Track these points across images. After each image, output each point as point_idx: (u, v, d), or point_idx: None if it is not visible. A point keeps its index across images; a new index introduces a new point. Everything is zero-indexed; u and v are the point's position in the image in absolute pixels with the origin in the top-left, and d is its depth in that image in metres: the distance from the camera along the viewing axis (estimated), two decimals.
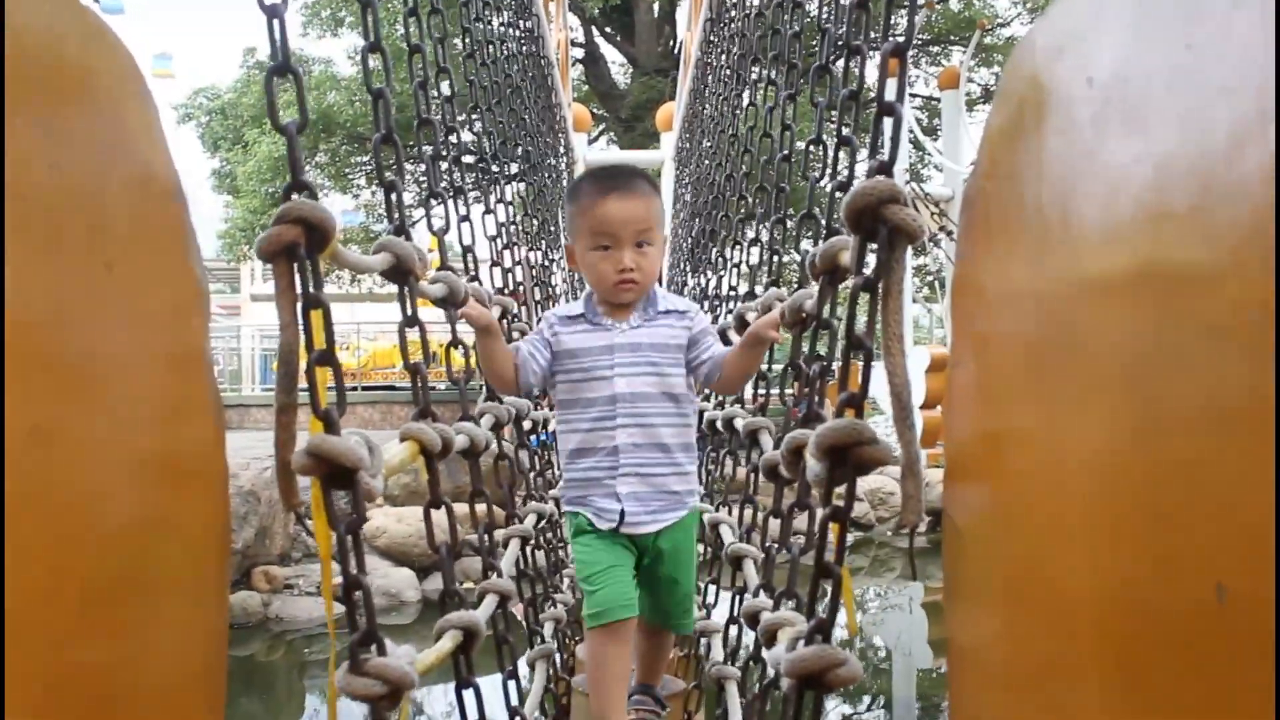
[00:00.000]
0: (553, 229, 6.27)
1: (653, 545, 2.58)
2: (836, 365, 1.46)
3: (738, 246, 3.66)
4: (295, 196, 1.30)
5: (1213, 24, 0.73)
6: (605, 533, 2.57)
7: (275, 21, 1.35)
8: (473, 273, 2.97)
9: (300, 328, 1.28)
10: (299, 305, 1.28)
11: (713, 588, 3.19)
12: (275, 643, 8.60)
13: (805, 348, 1.98)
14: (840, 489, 1.28)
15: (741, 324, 2.86)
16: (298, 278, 1.30)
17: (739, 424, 2.66)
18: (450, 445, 1.78)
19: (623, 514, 2.54)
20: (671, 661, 3.15)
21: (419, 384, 1.82)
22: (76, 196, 0.92)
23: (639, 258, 2.54)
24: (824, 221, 2.10)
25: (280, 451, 1.30)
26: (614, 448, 2.53)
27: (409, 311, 1.81)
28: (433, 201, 2.52)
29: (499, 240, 3.70)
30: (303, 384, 1.33)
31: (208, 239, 21.90)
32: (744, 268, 3.57)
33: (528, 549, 2.88)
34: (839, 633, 1.40)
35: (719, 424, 2.93)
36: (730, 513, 3.02)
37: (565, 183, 7.56)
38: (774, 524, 2.21)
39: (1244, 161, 0.67)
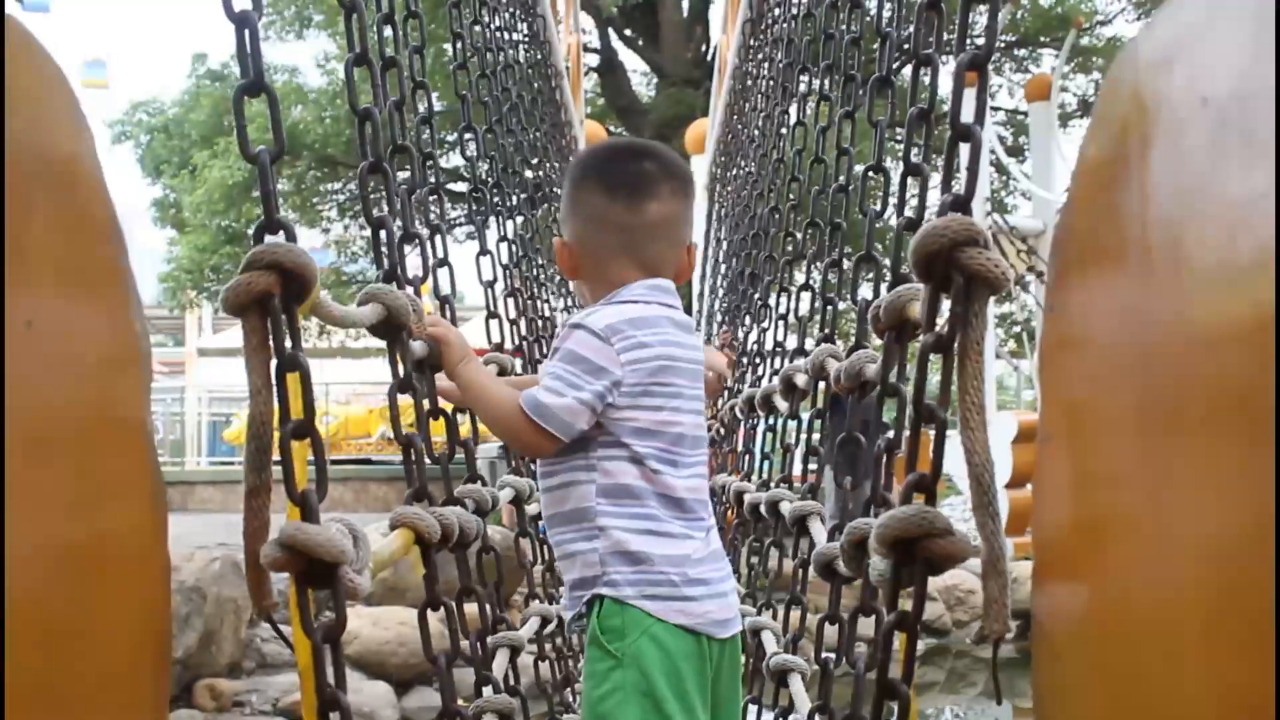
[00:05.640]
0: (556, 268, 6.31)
1: None
2: (904, 436, 1.47)
3: (785, 293, 3.67)
4: (269, 238, 1.32)
5: None
6: None
7: (246, 32, 1.38)
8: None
9: (274, 394, 1.29)
10: (273, 366, 1.30)
11: (753, 708, 3.16)
12: None
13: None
14: (909, 590, 1.28)
15: (789, 387, 2.87)
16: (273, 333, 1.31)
17: (785, 509, 2.63)
18: (450, 534, 1.80)
19: None
20: None
21: (413, 459, 1.83)
22: None
23: None
24: (888, 264, 2.11)
25: (250, 542, 1.31)
26: None
27: (402, 373, 1.83)
28: (414, 240, 2.54)
29: (497, 286, 3.72)
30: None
31: (147, 281, 22.00)
32: (791, 318, 3.59)
33: (518, 661, 2.84)
34: None
35: (761, 509, 2.90)
36: (775, 616, 3.00)
37: None
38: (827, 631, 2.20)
39: None
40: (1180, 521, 0.94)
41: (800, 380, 2.71)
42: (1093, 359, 1.17)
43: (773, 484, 3.15)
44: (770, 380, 3.42)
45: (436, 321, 2.26)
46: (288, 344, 1.32)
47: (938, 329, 1.28)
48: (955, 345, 1.24)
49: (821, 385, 2.56)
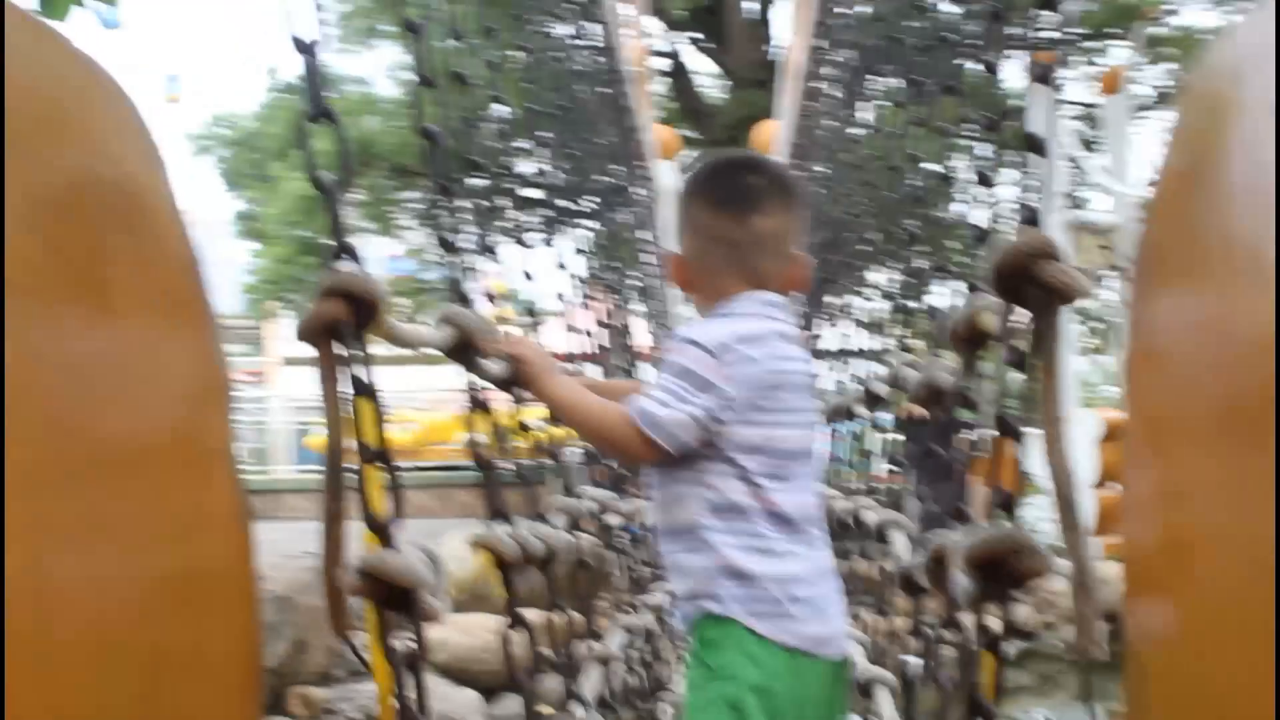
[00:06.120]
0: (631, 274, 6.33)
1: None
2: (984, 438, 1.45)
3: (859, 294, 3.66)
4: (338, 263, 1.33)
5: None
6: None
7: (310, 60, 1.39)
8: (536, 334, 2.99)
9: (349, 420, 1.30)
10: (346, 392, 1.30)
11: None
12: None
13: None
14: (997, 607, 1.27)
15: (872, 399, 2.86)
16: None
17: (868, 518, 2.62)
18: (533, 555, 1.80)
19: None
20: None
21: (491, 481, 1.83)
22: (71, 270, 0.93)
23: None
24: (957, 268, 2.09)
25: (328, 568, 1.32)
26: None
27: (475, 395, 1.83)
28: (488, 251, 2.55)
29: (571, 293, 3.74)
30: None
31: (232, 293, 22.22)
32: (867, 318, 3.58)
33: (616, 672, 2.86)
34: None
35: (849, 520, 2.87)
36: (864, 628, 2.97)
37: (649, 221, 7.63)
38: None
39: None
40: (1271, 536, 0.92)
41: (881, 390, 2.70)
42: (1176, 371, 1.15)
43: (857, 491, 3.14)
44: (852, 385, 3.41)
45: (515, 339, 2.26)
46: (362, 372, 1.33)
47: (1015, 341, 1.27)
48: (1035, 359, 1.23)
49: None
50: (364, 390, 1.33)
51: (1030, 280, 1.22)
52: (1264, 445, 0.93)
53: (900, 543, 2.38)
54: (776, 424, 2.21)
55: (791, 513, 2.20)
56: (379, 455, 1.37)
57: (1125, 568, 1.26)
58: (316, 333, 1.29)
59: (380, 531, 1.35)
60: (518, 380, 2.18)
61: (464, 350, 1.78)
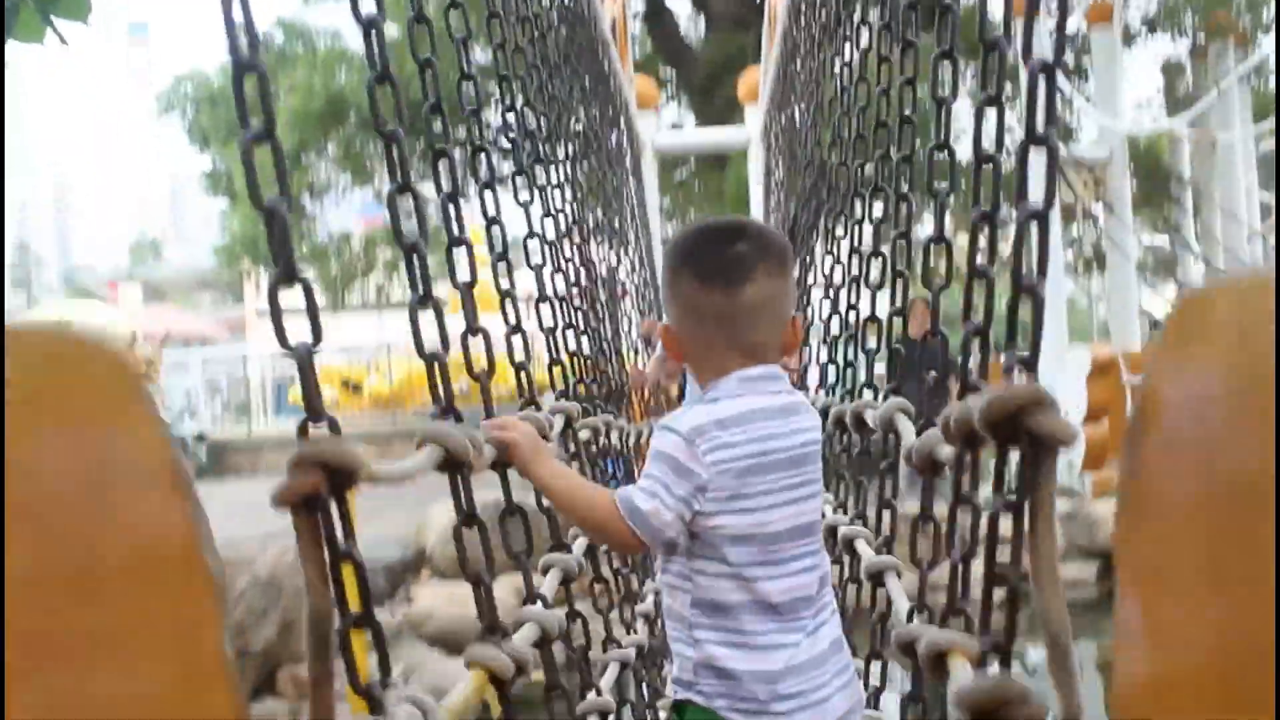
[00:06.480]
0: (614, 220, 6.35)
1: None
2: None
3: (849, 224, 3.66)
4: (312, 429, 1.32)
5: None
6: None
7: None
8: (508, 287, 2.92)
9: (331, 586, 1.29)
10: (327, 560, 1.30)
11: None
12: None
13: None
14: None
15: (859, 423, 2.85)
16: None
17: (862, 551, 2.61)
18: (525, 667, 1.80)
19: None
20: None
21: (483, 597, 1.84)
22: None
23: None
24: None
25: None
26: None
27: (465, 508, 1.82)
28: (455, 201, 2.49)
29: (551, 230, 3.75)
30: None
31: (204, 251, 22.18)
32: (846, 273, 3.60)
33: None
34: None
35: (838, 539, 2.88)
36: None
37: (628, 172, 7.65)
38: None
39: None
40: (1242, 680, 0.93)
41: (869, 416, 2.69)
42: (1162, 516, 1.16)
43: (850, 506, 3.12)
44: (835, 399, 3.41)
45: (503, 424, 2.24)
46: (341, 537, 1.33)
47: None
48: (1026, 507, 1.23)
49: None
50: (345, 558, 1.32)
51: (1023, 429, 1.22)
52: (1240, 585, 0.94)
53: (896, 590, 2.37)
54: (765, 507, 2.18)
55: (783, 600, 2.18)
56: (363, 620, 1.37)
57: (1113, 703, 1.27)
58: (291, 505, 1.27)
59: (369, 698, 1.36)
60: (507, 463, 2.19)
61: (451, 466, 1.77)
